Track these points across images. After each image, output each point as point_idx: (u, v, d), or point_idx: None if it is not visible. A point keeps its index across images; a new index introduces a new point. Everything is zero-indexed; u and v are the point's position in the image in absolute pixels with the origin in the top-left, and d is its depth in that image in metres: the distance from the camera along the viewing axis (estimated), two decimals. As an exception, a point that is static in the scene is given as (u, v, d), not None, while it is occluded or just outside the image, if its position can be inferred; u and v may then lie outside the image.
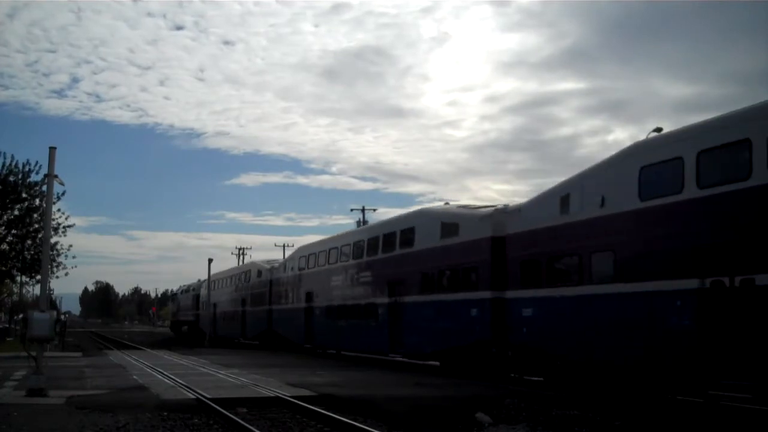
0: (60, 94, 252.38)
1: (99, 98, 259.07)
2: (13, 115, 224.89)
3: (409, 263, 22.12)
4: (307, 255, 31.70)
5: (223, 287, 47.91)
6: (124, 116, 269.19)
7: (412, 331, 21.79)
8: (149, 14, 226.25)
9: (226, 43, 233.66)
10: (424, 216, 22.31)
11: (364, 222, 60.92)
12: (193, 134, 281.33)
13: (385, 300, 23.51)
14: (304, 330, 30.96)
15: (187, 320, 58.08)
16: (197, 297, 53.99)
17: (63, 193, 28.13)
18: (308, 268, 31.34)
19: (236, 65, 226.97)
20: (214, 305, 47.07)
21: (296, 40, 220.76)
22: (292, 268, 33.46)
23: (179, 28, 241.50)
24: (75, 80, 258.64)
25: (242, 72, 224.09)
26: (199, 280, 57.20)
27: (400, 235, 23.19)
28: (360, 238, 26.93)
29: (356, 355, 28.13)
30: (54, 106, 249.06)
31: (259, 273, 39.19)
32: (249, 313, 40.79)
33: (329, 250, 29.30)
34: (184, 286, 66.79)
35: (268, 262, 40.37)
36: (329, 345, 29.89)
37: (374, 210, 63.72)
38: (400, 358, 23.81)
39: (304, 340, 31.36)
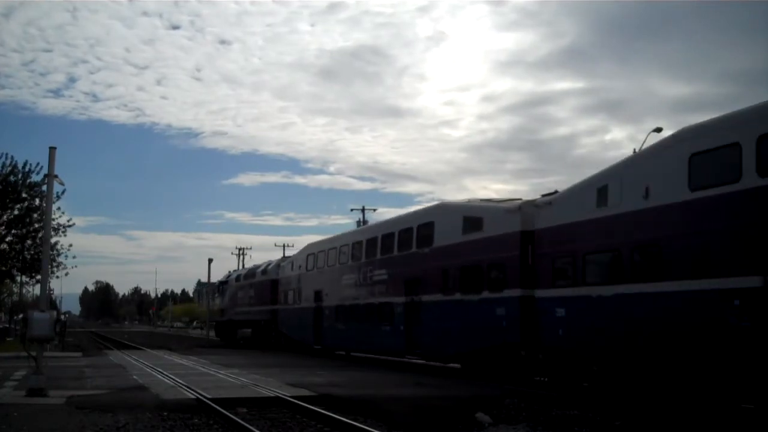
0: (57, 93, 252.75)
1: (96, 98, 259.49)
2: (10, 115, 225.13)
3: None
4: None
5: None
6: (122, 116, 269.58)
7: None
8: (145, 13, 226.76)
9: (223, 42, 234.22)
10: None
11: (364, 222, 60.94)
12: (190, 134, 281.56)
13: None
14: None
15: (250, 320, 39.71)
16: (273, 283, 36.05)
17: (63, 192, 28.12)
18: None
19: (233, 65, 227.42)
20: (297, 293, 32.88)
21: (293, 39, 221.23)
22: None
23: (175, 27, 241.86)
24: (72, 80, 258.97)
25: (239, 71, 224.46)
26: (284, 257, 42.37)
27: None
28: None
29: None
30: (51, 106, 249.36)
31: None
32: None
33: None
34: (241, 269, 50.81)
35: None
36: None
37: (374, 210, 63.81)
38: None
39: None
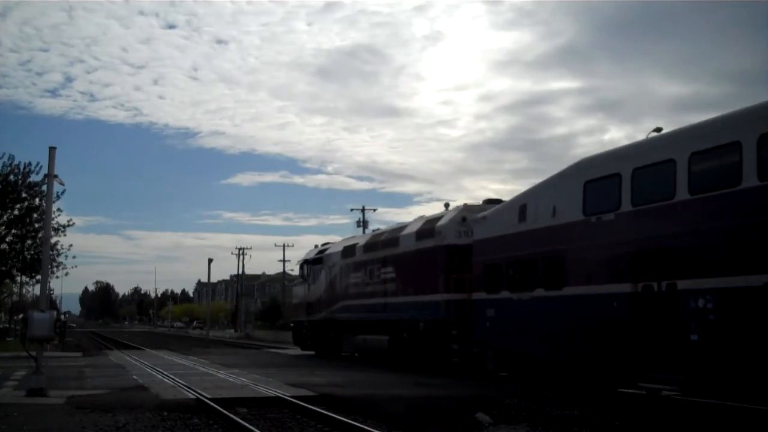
0: (54, 93, 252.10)
1: (93, 97, 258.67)
2: (7, 115, 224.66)
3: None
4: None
5: None
6: (119, 115, 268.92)
7: None
8: (141, 13, 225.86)
9: (219, 42, 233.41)
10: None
11: (364, 222, 60.97)
12: (188, 134, 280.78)
13: None
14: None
15: (384, 320, 23.16)
16: (456, 253, 19.43)
17: (63, 192, 28.15)
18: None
19: (230, 64, 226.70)
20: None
21: (289, 38, 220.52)
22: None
23: (172, 26, 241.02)
24: (68, 79, 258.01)
25: (236, 71, 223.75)
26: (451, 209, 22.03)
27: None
28: None
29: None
30: (48, 106, 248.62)
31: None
32: None
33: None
34: (350, 237, 31.25)
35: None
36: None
37: (374, 210, 63.57)
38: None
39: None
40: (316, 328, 29.55)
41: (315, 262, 29.99)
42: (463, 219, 19.42)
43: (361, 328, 24.84)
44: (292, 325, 34.73)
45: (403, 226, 23.42)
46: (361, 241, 26.34)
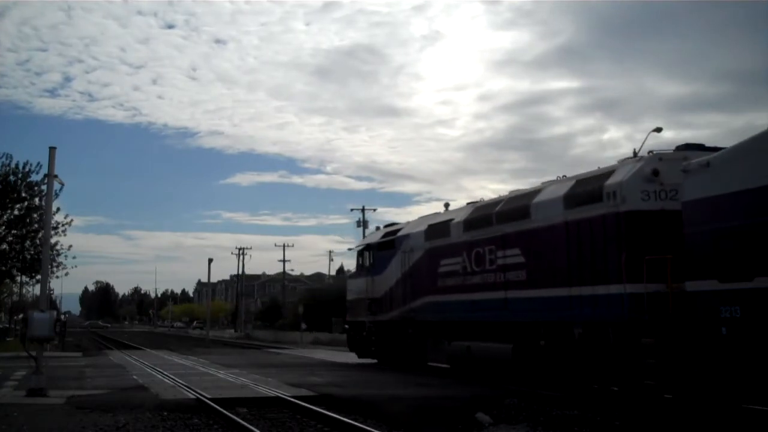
0: (53, 93, 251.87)
1: (92, 97, 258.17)
2: (6, 115, 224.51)
3: None
4: None
5: None
6: (118, 115, 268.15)
7: None
8: (139, 12, 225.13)
9: (218, 41, 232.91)
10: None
11: (364, 222, 61.02)
12: (187, 133, 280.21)
13: None
14: None
15: (506, 322, 16.85)
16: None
17: (61, 189, 28.13)
18: None
19: (228, 64, 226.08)
20: None
21: (288, 38, 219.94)
22: None
23: (170, 26, 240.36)
24: (67, 79, 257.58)
25: (234, 71, 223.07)
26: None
27: None
28: None
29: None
30: (47, 106, 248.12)
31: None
32: None
33: None
34: (436, 214, 21.98)
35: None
36: None
37: (374, 210, 63.50)
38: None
39: None
40: (383, 330, 23.16)
41: (382, 247, 23.60)
42: (654, 173, 13.41)
43: (460, 332, 18.64)
44: (346, 326, 28.15)
45: (531, 192, 16.90)
46: (459, 216, 19.34)
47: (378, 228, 28.31)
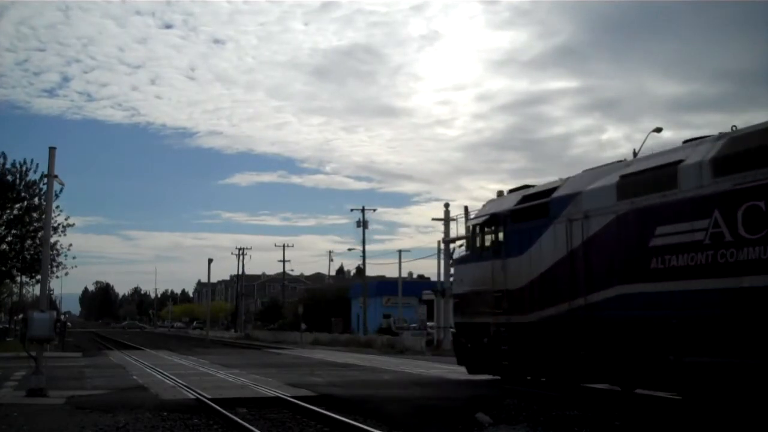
0: (51, 93, 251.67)
1: (90, 97, 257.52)
2: (4, 115, 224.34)
3: None
4: None
5: None
6: (116, 115, 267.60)
7: None
8: (137, 12, 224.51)
9: (216, 41, 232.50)
10: None
11: (364, 222, 61.02)
12: (185, 133, 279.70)
13: None
14: None
15: None
16: None
17: (61, 191, 28.17)
18: None
19: (227, 64, 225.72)
20: None
21: (286, 38, 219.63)
22: None
23: (168, 26, 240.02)
24: (65, 79, 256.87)
25: (233, 71, 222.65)
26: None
27: None
28: None
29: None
30: (45, 106, 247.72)
31: None
32: None
33: None
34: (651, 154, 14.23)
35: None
36: None
37: (373, 210, 63.26)
38: None
39: None
40: (523, 335, 15.78)
41: (522, 216, 16.26)
42: None
43: (704, 341, 11.41)
44: (453, 330, 21.55)
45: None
46: (697, 155, 11.97)
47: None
